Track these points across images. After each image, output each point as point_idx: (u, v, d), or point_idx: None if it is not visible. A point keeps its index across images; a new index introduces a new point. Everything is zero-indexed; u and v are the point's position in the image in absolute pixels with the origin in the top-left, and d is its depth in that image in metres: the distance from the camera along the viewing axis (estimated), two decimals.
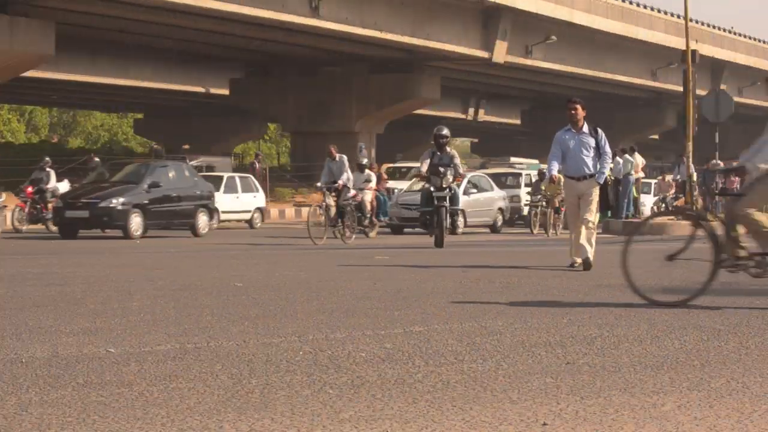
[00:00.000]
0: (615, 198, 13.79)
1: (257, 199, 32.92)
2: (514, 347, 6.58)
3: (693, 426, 4.50)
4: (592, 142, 12.81)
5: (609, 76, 50.49)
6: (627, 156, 31.29)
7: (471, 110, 70.02)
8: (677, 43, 44.49)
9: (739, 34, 59.50)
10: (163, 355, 6.22)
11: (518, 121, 68.99)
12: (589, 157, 12.76)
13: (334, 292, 10.07)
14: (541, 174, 28.89)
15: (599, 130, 12.97)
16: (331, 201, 21.13)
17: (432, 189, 18.39)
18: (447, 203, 18.25)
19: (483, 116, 71.29)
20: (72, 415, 4.67)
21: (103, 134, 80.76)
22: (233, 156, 73.00)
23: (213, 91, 53.36)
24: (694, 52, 31.58)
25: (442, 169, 18.35)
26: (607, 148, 12.92)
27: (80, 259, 15.38)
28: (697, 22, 52.40)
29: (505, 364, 5.96)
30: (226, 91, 49.49)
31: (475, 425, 4.53)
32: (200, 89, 53.58)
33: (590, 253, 12.68)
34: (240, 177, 33.48)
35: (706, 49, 49.89)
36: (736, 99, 37.47)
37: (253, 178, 34.22)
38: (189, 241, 22.94)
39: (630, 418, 4.64)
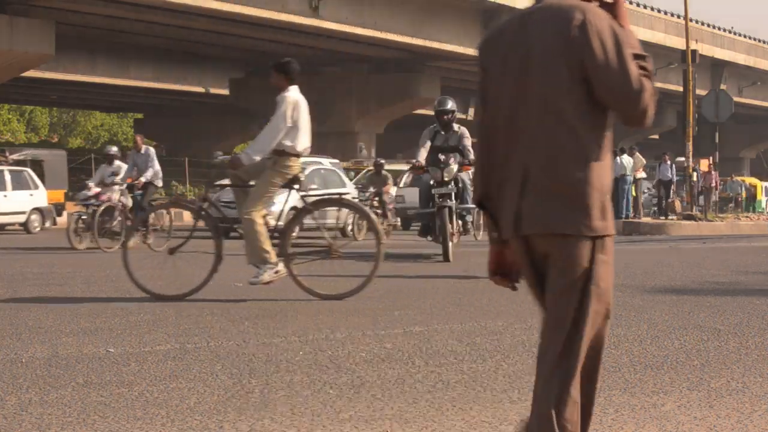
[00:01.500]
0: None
1: (35, 197, 26.84)
2: (514, 347, 6.58)
3: (693, 426, 4.50)
4: None
5: None
6: (626, 156, 31.28)
7: (471, 110, 69.99)
8: (677, 43, 44.49)
9: (739, 34, 59.47)
10: (163, 355, 6.22)
11: None
12: None
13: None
14: (377, 166, 24.51)
15: None
16: (129, 201, 18.00)
17: (432, 183, 14.24)
18: (453, 202, 14.03)
19: None
20: (72, 415, 4.67)
21: (103, 134, 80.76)
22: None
23: (213, 91, 53.32)
24: (694, 52, 31.61)
25: (442, 157, 14.21)
26: None
27: (80, 259, 15.37)
28: (697, 22, 52.37)
29: (505, 364, 5.96)
30: (226, 91, 49.48)
31: (475, 425, 4.53)
32: (200, 89, 53.52)
33: None
34: (11, 171, 26.91)
35: (706, 49, 49.89)
36: (736, 99, 37.50)
37: (31, 172, 27.57)
38: None
39: (630, 418, 4.64)
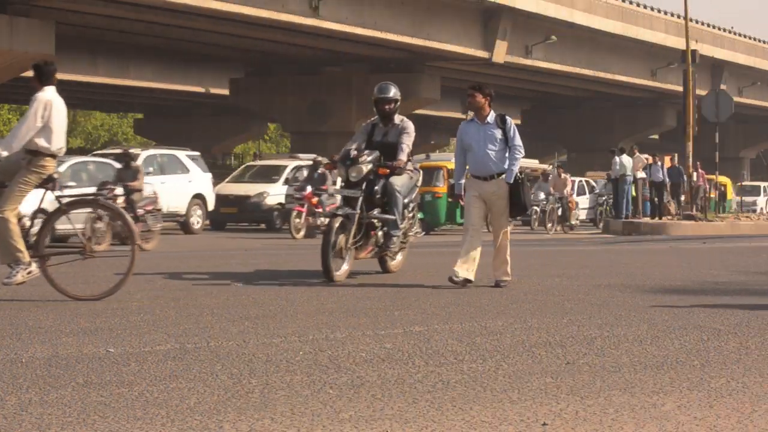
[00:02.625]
0: (529, 200, 11.16)
1: None
2: (514, 347, 6.58)
3: (693, 426, 4.50)
4: (498, 134, 10.75)
5: (609, 76, 50.46)
6: (626, 156, 31.26)
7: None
8: (677, 43, 44.51)
9: (739, 34, 59.49)
10: (163, 355, 6.22)
11: (518, 121, 68.98)
12: (495, 152, 10.72)
13: (334, 292, 10.07)
14: (125, 156, 20.71)
15: (507, 120, 10.91)
16: None
17: (342, 184, 11.92)
18: (358, 210, 11.17)
19: None
20: (72, 415, 4.67)
21: (103, 134, 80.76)
22: (233, 156, 73.05)
23: (213, 91, 53.34)
24: (694, 52, 31.63)
25: (353, 153, 11.49)
26: (517, 141, 10.78)
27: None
28: (697, 22, 52.39)
29: (505, 364, 5.96)
30: (226, 91, 49.49)
31: (475, 425, 4.53)
32: (200, 89, 53.54)
33: (504, 273, 10.72)
34: None
35: (706, 49, 49.89)
36: (736, 99, 37.49)
37: None
38: None
39: (630, 418, 4.64)
